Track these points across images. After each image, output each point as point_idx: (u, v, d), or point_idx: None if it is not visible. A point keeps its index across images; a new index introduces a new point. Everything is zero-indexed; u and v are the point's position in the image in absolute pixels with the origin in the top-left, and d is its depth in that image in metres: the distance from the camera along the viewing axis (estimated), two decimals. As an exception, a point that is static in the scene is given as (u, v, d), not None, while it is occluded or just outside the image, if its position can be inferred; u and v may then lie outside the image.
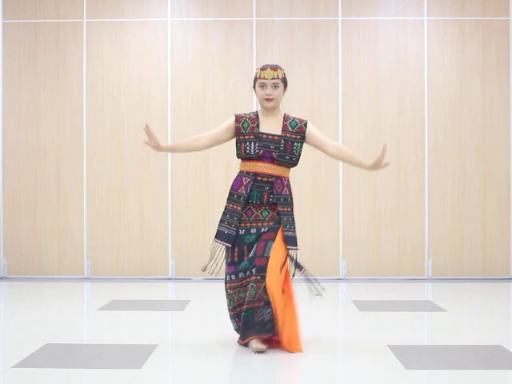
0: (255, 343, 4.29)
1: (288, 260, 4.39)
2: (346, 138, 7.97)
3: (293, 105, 7.87)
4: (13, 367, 3.93)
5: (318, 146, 4.51)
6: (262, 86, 4.47)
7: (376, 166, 4.42)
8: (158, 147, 4.50)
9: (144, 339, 4.69)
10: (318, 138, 4.50)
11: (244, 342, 4.40)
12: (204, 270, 4.51)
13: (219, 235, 4.44)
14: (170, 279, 8.00)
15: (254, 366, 4.08)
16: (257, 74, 4.51)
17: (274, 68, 4.48)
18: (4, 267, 8.10)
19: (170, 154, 8.02)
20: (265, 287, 4.25)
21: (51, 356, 4.25)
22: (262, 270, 4.27)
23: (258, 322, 4.27)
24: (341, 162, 7.90)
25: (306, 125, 4.50)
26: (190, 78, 8.08)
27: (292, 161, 4.45)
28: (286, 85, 4.53)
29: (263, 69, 4.49)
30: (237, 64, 8.06)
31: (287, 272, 4.38)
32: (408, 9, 8.06)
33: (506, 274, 8.00)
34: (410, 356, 4.21)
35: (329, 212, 8.00)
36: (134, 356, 4.22)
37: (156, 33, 8.10)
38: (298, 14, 8.04)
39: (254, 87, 4.53)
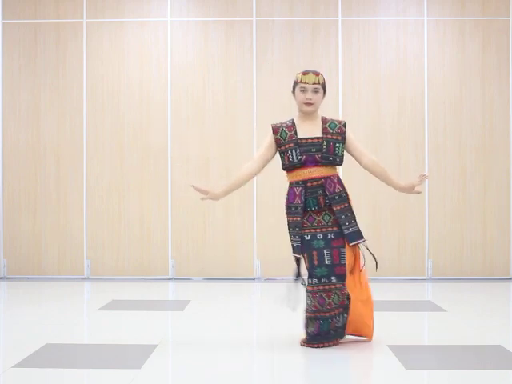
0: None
1: (360, 256, 4.48)
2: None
3: (293, 105, 7.85)
4: (13, 367, 3.93)
5: (355, 155, 4.56)
6: (303, 90, 4.48)
7: (408, 189, 4.55)
8: (215, 197, 4.59)
9: (144, 339, 4.69)
10: (355, 145, 4.55)
11: (315, 346, 4.42)
12: (300, 282, 4.54)
13: (294, 249, 4.46)
14: (169, 279, 8.00)
15: (253, 365, 4.08)
16: (297, 78, 4.51)
17: (316, 73, 4.50)
18: (4, 267, 8.10)
19: (169, 154, 8.02)
20: (348, 294, 4.41)
21: (51, 356, 4.25)
22: (343, 278, 4.40)
23: (332, 328, 4.40)
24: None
25: (345, 125, 4.52)
26: (190, 78, 8.08)
27: (336, 161, 4.47)
28: (325, 91, 4.54)
29: (305, 73, 4.50)
30: (237, 64, 8.06)
31: (358, 266, 4.49)
32: (408, 9, 8.06)
33: (506, 274, 8.00)
34: (410, 356, 4.21)
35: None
36: (134, 356, 4.22)
37: (156, 33, 8.10)
38: (297, 13, 8.04)
39: (294, 91, 4.54)
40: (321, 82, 4.49)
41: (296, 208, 4.43)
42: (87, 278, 8.05)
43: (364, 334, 4.58)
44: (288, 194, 4.49)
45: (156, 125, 8.06)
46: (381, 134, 8.01)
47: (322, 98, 4.54)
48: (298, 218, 4.42)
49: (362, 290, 4.51)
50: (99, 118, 8.08)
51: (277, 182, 7.45)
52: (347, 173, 8.01)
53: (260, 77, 8.03)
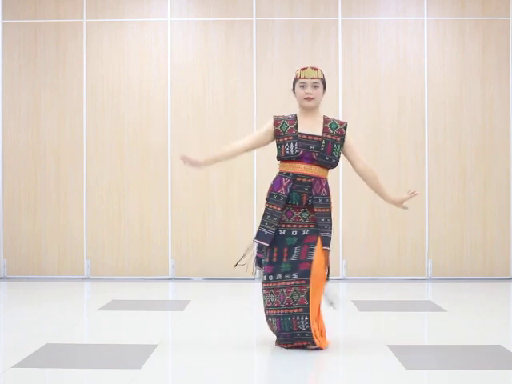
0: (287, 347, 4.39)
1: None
2: (346, 138, 7.97)
3: (293, 104, 7.85)
4: (13, 367, 3.93)
5: (351, 159, 4.53)
6: (303, 85, 4.47)
7: (397, 203, 4.62)
8: (196, 163, 4.49)
9: (144, 339, 4.69)
10: (353, 149, 4.52)
11: (287, 347, 4.39)
12: (235, 266, 4.56)
13: (259, 235, 4.43)
14: (169, 279, 8.00)
15: (253, 366, 4.08)
16: (297, 74, 4.50)
17: (315, 68, 4.49)
18: (4, 267, 8.10)
19: (169, 154, 8.02)
20: (308, 292, 4.30)
21: (51, 356, 4.25)
22: (306, 274, 4.30)
23: (296, 330, 4.31)
24: (341, 162, 7.90)
25: (345, 127, 4.50)
26: (190, 78, 8.08)
27: (332, 162, 4.45)
28: (325, 86, 4.53)
29: (303, 69, 4.49)
30: (237, 64, 8.06)
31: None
32: (408, 9, 8.06)
33: (506, 274, 8.00)
34: (410, 356, 4.21)
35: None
36: (134, 356, 4.22)
37: (156, 33, 8.10)
38: (298, 13, 8.04)
39: (294, 89, 4.52)
40: (320, 77, 4.47)
41: (278, 197, 4.41)
42: (87, 278, 8.05)
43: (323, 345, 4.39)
44: (274, 182, 4.47)
45: (156, 125, 8.06)
46: (381, 133, 8.02)
47: (323, 94, 4.52)
48: (279, 209, 4.40)
49: (319, 293, 4.39)
50: (99, 118, 8.08)
51: (277, 182, 7.43)
52: (347, 173, 8.02)
53: (260, 77, 8.03)
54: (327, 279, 4.43)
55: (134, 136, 8.06)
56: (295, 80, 4.51)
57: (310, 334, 4.28)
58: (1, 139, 8.11)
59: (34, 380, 3.74)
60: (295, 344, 4.34)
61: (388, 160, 7.99)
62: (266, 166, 7.78)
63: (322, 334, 4.42)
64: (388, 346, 4.42)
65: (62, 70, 8.11)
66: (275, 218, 4.40)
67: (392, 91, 8.03)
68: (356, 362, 4.09)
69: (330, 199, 4.46)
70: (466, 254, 8.00)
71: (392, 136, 8.01)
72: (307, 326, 4.28)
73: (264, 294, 4.41)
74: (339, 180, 7.97)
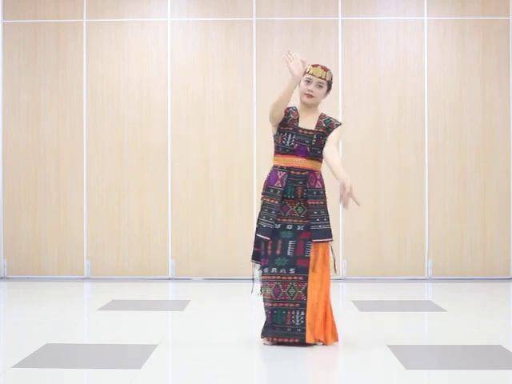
0: (266, 341, 4.40)
1: (331, 255, 4.46)
2: (346, 137, 7.97)
3: (293, 104, 7.85)
4: (13, 367, 3.93)
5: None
6: (308, 81, 4.49)
7: (341, 187, 4.25)
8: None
9: (144, 339, 4.69)
10: (329, 140, 4.48)
11: (269, 342, 4.41)
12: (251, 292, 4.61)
13: (259, 229, 4.45)
14: (169, 279, 8.00)
15: (253, 365, 4.08)
16: (306, 68, 4.51)
17: (325, 69, 4.51)
18: (4, 267, 8.10)
19: (169, 154, 8.02)
20: (306, 289, 4.35)
21: (51, 356, 4.25)
22: (304, 270, 4.37)
23: (288, 325, 4.34)
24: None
25: (337, 125, 4.52)
26: (190, 78, 8.08)
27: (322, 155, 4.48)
28: (329, 88, 4.55)
29: (315, 65, 4.51)
30: (237, 64, 8.06)
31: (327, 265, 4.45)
32: (408, 9, 8.05)
33: (506, 274, 8.00)
34: (410, 356, 4.21)
35: (329, 212, 7.97)
36: (134, 356, 4.22)
37: (156, 33, 8.09)
38: (298, 13, 8.04)
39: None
40: (327, 79, 4.50)
41: (275, 191, 4.43)
42: (87, 278, 8.05)
43: (322, 337, 4.40)
44: (269, 176, 4.50)
45: (156, 125, 8.06)
46: (381, 134, 8.01)
47: (325, 95, 4.55)
48: (276, 202, 4.42)
49: (322, 288, 4.41)
50: (99, 118, 8.08)
51: (277, 182, 7.43)
52: (347, 173, 8.01)
53: (260, 77, 8.03)
54: (334, 268, 4.47)
55: (133, 136, 8.06)
56: (304, 73, 4.51)
57: (303, 330, 4.31)
58: (1, 139, 8.11)
59: (34, 380, 3.74)
60: (281, 339, 4.35)
61: (388, 160, 7.99)
62: (265, 163, 7.76)
63: (333, 331, 4.43)
64: (388, 345, 4.42)
65: (62, 70, 8.11)
66: (273, 212, 4.42)
67: (392, 91, 8.03)
68: (356, 361, 4.09)
69: (324, 191, 4.50)
70: (466, 254, 8.00)
71: (392, 136, 8.01)
72: (301, 322, 4.32)
73: (261, 285, 4.47)
74: (339, 180, 7.96)
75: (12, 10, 8.11)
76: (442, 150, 8.02)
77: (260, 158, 7.92)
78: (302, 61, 4.41)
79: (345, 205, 4.21)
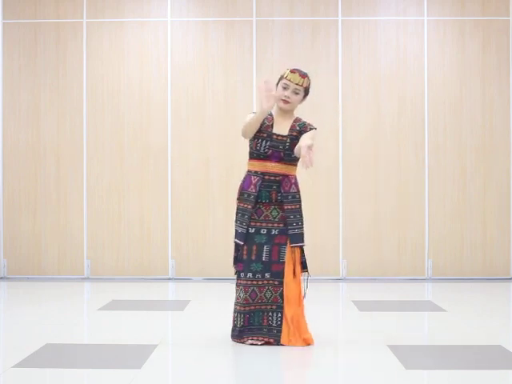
0: (251, 341, 4.42)
1: (303, 260, 4.50)
2: (346, 137, 7.97)
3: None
4: (13, 367, 3.93)
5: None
6: (285, 87, 4.51)
7: (302, 150, 4.18)
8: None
9: (144, 339, 4.69)
10: (302, 136, 4.44)
11: (242, 341, 4.46)
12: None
13: (236, 234, 4.53)
14: (169, 279, 8.00)
15: (253, 365, 4.08)
16: (284, 73, 4.54)
17: (303, 76, 4.52)
18: (4, 267, 8.10)
19: (169, 154, 8.02)
20: (282, 292, 4.42)
21: (51, 356, 4.25)
22: (280, 275, 4.43)
23: (264, 325, 4.42)
24: (341, 162, 7.95)
25: (311, 129, 4.52)
26: (190, 78, 8.08)
27: (297, 158, 4.50)
28: (306, 94, 4.57)
29: (293, 71, 4.52)
30: (237, 64, 8.06)
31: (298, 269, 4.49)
32: (408, 9, 8.06)
33: (506, 274, 8.00)
34: (410, 356, 4.21)
35: (329, 212, 7.99)
36: (133, 356, 4.22)
37: (156, 33, 8.10)
38: (298, 13, 8.04)
39: (277, 84, 4.54)
40: (304, 86, 4.52)
41: (249, 196, 4.47)
42: (87, 278, 8.05)
43: (301, 341, 4.42)
44: (243, 181, 4.53)
45: (156, 125, 8.06)
46: (381, 134, 8.01)
47: (301, 101, 4.57)
48: (250, 207, 4.46)
49: (297, 291, 4.45)
50: (99, 118, 8.08)
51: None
52: (347, 173, 8.02)
53: (260, 77, 8.02)
54: (306, 271, 4.49)
55: (133, 136, 8.06)
56: (281, 77, 4.55)
57: (279, 331, 4.38)
58: (1, 139, 8.11)
59: (34, 380, 3.74)
60: (256, 338, 4.40)
61: (388, 160, 7.99)
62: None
63: (306, 329, 4.45)
64: (388, 345, 4.42)
65: (62, 70, 8.11)
66: (246, 216, 4.47)
67: (392, 91, 8.03)
68: (356, 361, 4.09)
69: (299, 195, 4.52)
70: (466, 254, 8.00)
71: (392, 136, 8.01)
72: (278, 323, 4.40)
73: (235, 289, 4.51)
74: (339, 180, 7.98)
75: (12, 9, 8.11)
76: (441, 150, 8.02)
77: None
78: (273, 95, 4.34)
79: (306, 163, 4.12)
